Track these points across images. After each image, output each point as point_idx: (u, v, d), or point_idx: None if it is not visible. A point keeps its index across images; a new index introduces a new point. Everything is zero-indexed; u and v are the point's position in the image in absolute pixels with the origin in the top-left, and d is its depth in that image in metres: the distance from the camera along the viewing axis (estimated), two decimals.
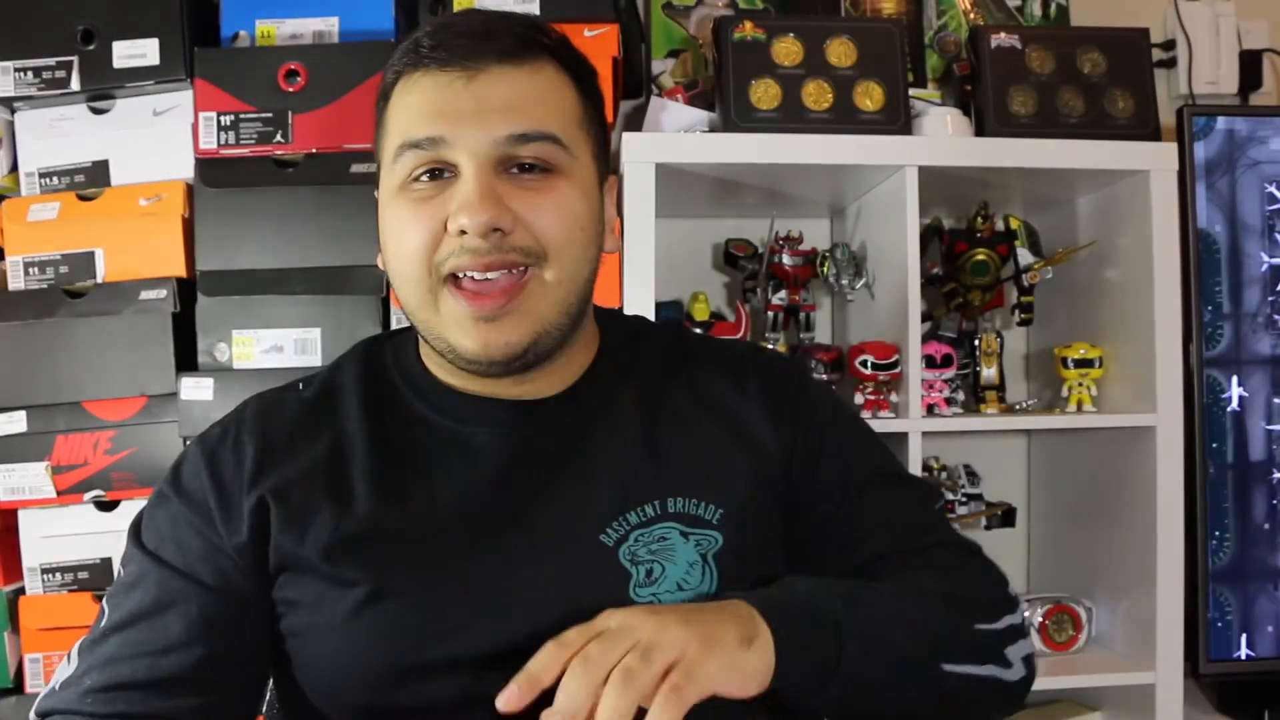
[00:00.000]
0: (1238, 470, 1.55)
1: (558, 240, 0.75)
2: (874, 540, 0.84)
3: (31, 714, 0.75)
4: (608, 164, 0.84)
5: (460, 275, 0.74)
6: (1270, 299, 1.56)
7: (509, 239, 0.73)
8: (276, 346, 1.38)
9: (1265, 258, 1.56)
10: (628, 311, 1.24)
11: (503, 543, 0.77)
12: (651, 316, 1.38)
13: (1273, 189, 1.56)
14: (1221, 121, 1.56)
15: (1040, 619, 1.51)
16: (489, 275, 0.73)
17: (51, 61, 1.40)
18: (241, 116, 1.38)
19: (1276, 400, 1.55)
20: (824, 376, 1.49)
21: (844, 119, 1.44)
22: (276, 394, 0.85)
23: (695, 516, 0.79)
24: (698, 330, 1.48)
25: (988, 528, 1.65)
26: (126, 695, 0.72)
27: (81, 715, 0.72)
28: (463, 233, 0.72)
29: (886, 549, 0.83)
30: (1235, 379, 1.55)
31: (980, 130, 1.49)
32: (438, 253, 0.74)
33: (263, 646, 0.79)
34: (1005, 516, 1.64)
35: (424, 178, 0.75)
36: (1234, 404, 1.55)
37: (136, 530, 0.80)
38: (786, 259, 1.56)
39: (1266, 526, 1.55)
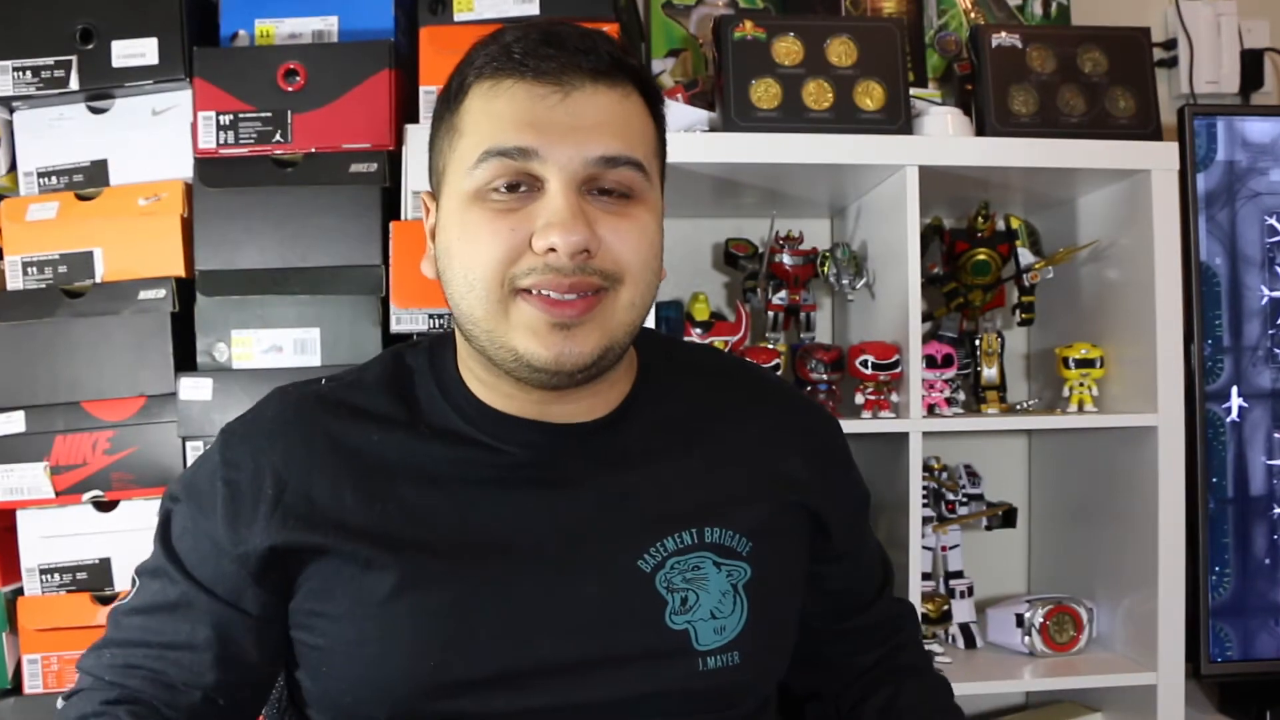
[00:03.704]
0: (1238, 505, 1.55)
1: (634, 267, 0.75)
2: (867, 609, 0.95)
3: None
4: (664, 191, 0.84)
5: (535, 290, 0.73)
6: (1271, 332, 1.56)
7: (591, 261, 0.72)
8: (276, 346, 1.38)
9: (1266, 290, 1.56)
10: None
11: (540, 563, 0.77)
12: (652, 316, 1.38)
13: (1273, 221, 1.56)
14: (1221, 152, 1.56)
15: (1041, 620, 1.51)
16: (567, 296, 0.72)
17: (50, 61, 1.40)
18: (241, 116, 1.38)
19: (1277, 435, 1.55)
20: (824, 376, 1.48)
21: (844, 119, 1.44)
22: (301, 394, 0.83)
23: (728, 548, 0.81)
24: (747, 359, 1.44)
25: (988, 528, 1.65)
26: (137, 674, 0.77)
27: (102, 681, 0.78)
28: (550, 250, 0.71)
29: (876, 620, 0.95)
30: (1235, 389, 1.54)
31: (981, 130, 1.49)
32: (515, 266, 0.72)
33: (267, 658, 0.80)
34: (1006, 517, 1.64)
35: (502, 188, 0.73)
36: (1234, 414, 1.54)
37: (163, 519, 0.82)
38: (787, 259, 1.56)
39: (1268, 562, 1.55)
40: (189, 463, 1.34)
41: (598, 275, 0.73)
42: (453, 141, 0.77)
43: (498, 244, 0.72)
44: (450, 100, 0.78)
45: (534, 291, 0.72)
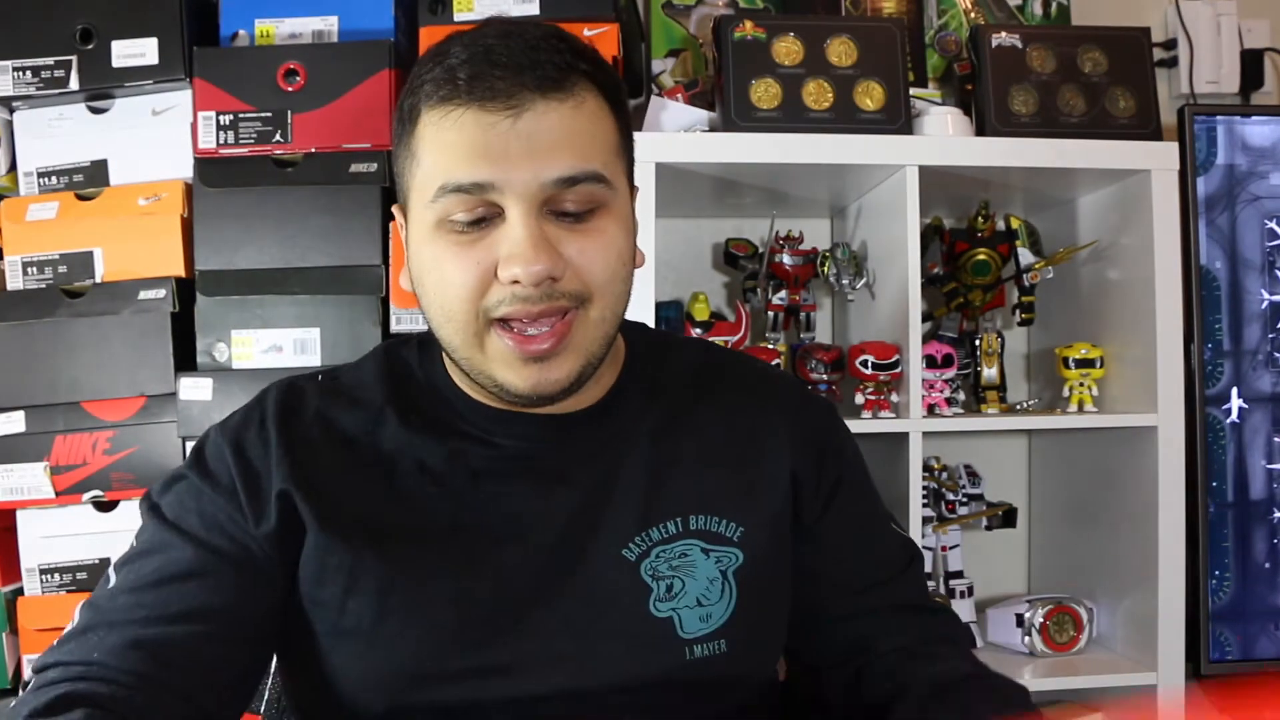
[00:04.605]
0: (1238, 509, 1.55)
1: (603, 282, 0.75)
2: (870, 593, 0.87)
3: (28, 671, 0.72)
4: (634, 178, 0.83)
5: (508, 321, 0.73)
6: (1271, 336, 1.56)
7: (558, 285, 0.72)
8: (275, 346, 1.38)
9: (1265, 294, 1.56)
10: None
11: (528, 553, 0.78)
12: (651, 316, 1.38)
13: (1273, 225, 1.56)
14: (1221, 155, 1.56)
15: (1041, 620, 1.51)
16: (539, 325, 0.73)
17: (50, 61, 1.40)
18: (240, 116, 1.38)
19: (1277, 439, 1.55)
20: (824, 377, 1.48)
21: (844, 119, 1.44)
22: (297, 384, 0.84)
23: (717, 534, 0.81)
24: (728, 347, 1.45)
25: (988, 528, 1.65)
26: (138, 655, 0.70)
27: (92, 665, 0.69)
28: (515, 281, 0.71)
29: (894, 601, 0.87)
30: (1235, 390, 1.54)
31: (981, 130, 1.49)
32: (486, 298, 0.73)
33: (273, 632, 0.79)
34: (1006, 517, 1.64)
35: (463, 224, 0.73)
36: (1234, 416, 1.54)
37: (151, 503, 0.78)
38: (787, 259, 1.56)
39: (1267, 566, 1.55)
40: None
41: (565, 298, 0.73)
42: (411, 167, 0.76)
43: (466, 276, 0.72)
44: (404, 121, 0.77)
45: (507, 322, 0.73)
